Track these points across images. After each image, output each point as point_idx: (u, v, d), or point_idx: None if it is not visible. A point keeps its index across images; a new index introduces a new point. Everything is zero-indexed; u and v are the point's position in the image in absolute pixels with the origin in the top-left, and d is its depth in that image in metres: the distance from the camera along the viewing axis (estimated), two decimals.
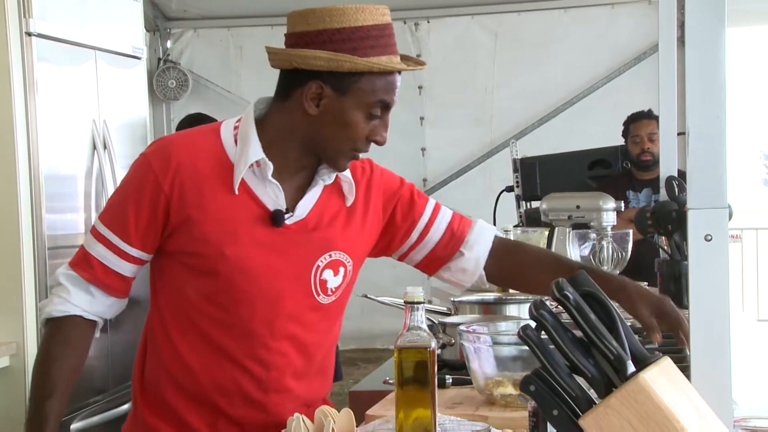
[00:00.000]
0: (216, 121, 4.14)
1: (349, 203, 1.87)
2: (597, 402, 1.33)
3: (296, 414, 1.62)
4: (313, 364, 1.88)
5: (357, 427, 1.85)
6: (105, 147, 3.80)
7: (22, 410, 3.38)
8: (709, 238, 1.50)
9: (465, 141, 6.68)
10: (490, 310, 2.69)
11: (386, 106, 1.77)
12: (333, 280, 1.85)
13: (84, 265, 1.78)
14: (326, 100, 1.73)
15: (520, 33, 6.56)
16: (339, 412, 1.69)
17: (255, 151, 1.75)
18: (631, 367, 1.32)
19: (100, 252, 1.77)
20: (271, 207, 1.79)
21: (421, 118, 6.71)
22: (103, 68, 3.87)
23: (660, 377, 1.32)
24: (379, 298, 2.81)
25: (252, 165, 1.76)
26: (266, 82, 6.25)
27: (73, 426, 3.54)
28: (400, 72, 1.76)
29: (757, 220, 10.66)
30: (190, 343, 1.80)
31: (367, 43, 1.70)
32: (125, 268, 1.79)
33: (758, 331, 3.71)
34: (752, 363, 2.86)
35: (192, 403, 1.82)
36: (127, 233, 1.76)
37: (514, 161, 4.98)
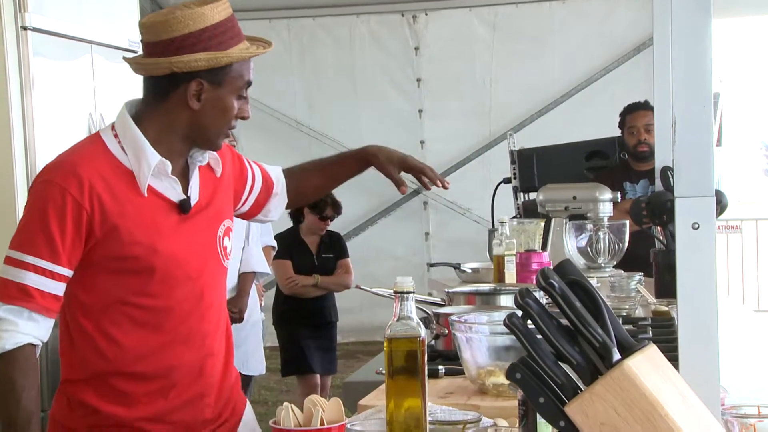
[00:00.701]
0: None
1: (218, 175, 2.07)
2: (583, 389, 1.34)
3: (285, 403, 1.63)
4: (227, 326, 2.12)
5: (350, 416, 1.87)
6: None
7: None
8: (697, 226, 1.50)
9: (463, 133, 6.69)
10: (484, 301, 2.70)
11: (248, 85, 1.99)
12: (229, 244, 2.10)
13: (22, 296, 1.86)
14: (206, 94, 1.92)
15: (518, 25, 6.57)
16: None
17: (152, 155, 1.93)
18: (616, 355, 1.33)
19: (33, 279, 1.86)
20: (175, 198, 1.97)
21: (420, 111, 6.72)
22: (100, 62, 3.88)
23: (645, 364, 1.33)
24: (372, 289, 2.82)
25: (154, 167, 1.94)
26: (262, 77, 6.27)
27: None
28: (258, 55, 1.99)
29: (757, 211, 10.67)
30: (134, 337, 1.96)
31: (227, 36, 1.92)
32: (58, 288, 1.90)
33: (756, 322, 3.72)
34: (747, 352, 2.87)
35: (144, 384, 1.98)
36: (56, 255, 1.86)
37: (512, 153, 4.98)
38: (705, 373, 1.48)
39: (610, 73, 6.51)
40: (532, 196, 4.63)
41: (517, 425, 1.63)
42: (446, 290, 2.83)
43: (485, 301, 2.70)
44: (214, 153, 2.04)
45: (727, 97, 11.58)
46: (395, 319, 1.69)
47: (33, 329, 1.88)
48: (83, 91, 3.78)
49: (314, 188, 2.41)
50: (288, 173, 2.33)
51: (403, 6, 6.70)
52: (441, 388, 2.16)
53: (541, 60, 6.56)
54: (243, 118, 2.00)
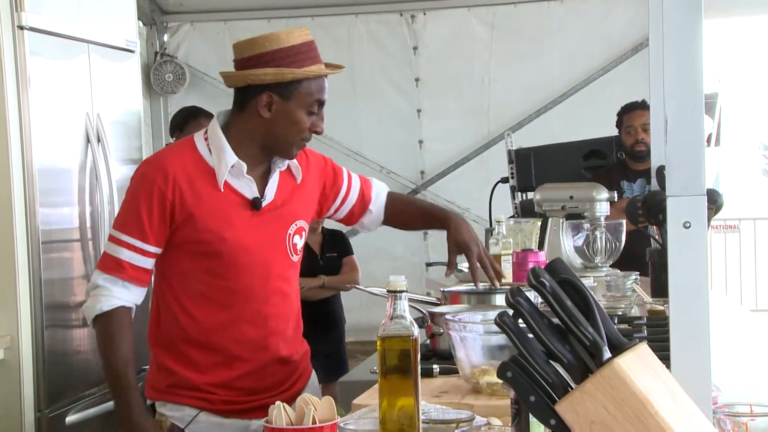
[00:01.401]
0: (210, 113, 4.37)
1: (298, 181, 2.40)
2: (573, 388, 1.34)
3: (277, 402, 1.63)
4: (293, 310, 2.43)
5: (345, 415, 1.87)
6: (99, 141, 3.80)
7: (17, 402, 3.40)
8: (688, 225, 1.51)
9: (462, 133, 6.67)
10: (480, 300, 2.70)
11: (321, 104, 2.30)
12: (299, 242, 2.41)
13: (116, 268, 2.25)
14: (276, 106, 2.26)
15: (516, 24, 6.56)
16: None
17: (231, 156, 2.27)
18: (607, 353, 1.33)
19: (127, 255, 2.25)
20: (249, 196, 2.30)
21: (419, 111, 6.71)
22: (97, 62, 3.87)
23: (635, 363, 1.33)
24: (367, 288, 2.83)
25: (230, 167, 2.28)
26: None
27: (68, 419, 3.55)
28: (326, 76, 2.29)
29: (755, 210, 10.66)
30: (205, 312, 2.30)
31: (300, 57, 2.24)
32: (147, 263, 2.27)
33: (752, 321, 3.72)
34: (742, 352, 2.87)
35: (211, 354, 2.31)
36: (144, 235, 2.24)
37: (509, 152, 4.98)
38: (696, 372, 1.48)
39: (609, 72, 6.50)
40: (530, 195, 4.64)
41: (510, 424, 1.63)
42: (441, 289, 2.83)
43: (480, 300, 2.70)
44: (295, 161, 2.36)
45: (725, 97, 11.58)
46: (388, 318, 1.69)
47: (125, 294, 2.26)
48: (80, 90, 3.78)
49: (404, 224, 2.75)
50: (393, 198, 2.68)
51: (402, 6, 6.69)
52: (435, 387, 2.17)
53: (539, 60, 6.55)
54: (317, 133, 2.31)
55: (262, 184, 2.33)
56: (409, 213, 2.69)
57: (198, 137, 2.32)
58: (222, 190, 2.26)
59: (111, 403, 3.73)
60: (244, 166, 2.28)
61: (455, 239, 2.54)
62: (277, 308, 2.36)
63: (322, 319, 4.79)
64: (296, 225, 2.39)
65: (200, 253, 2.27)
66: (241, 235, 2.27)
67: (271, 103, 2.25)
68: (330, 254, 4.94)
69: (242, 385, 2.33)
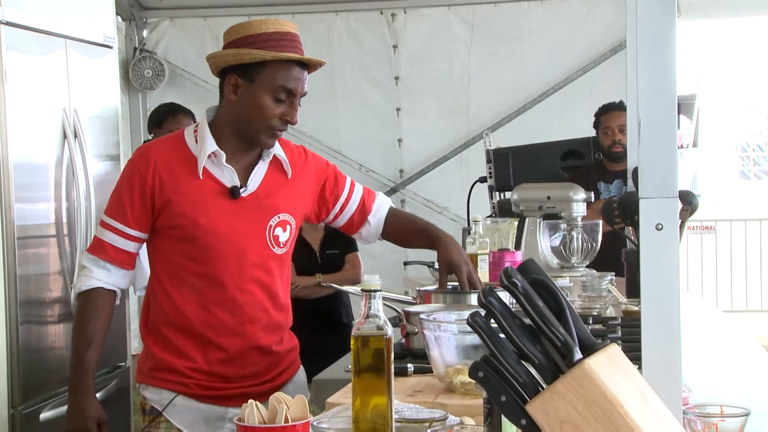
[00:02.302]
0: (188, 110, 4.40)
1: (289, 176, 2.45)
2: (544, 388, 1.35)
3: (250, 400, 1.63)
4: (274, 300, 2.46)
5: (319, 413, 1.87)
6: (75, 136, 3.78)
7: None
8: (660, 227, 1.52)
9: (441, 132, 6.68)
10: (455, 299, 2.71)
11: (290, 93, 2.32)
12: (283, 235, 2.44)
13: (99, 249, 2.36)
14: (241, 89, 2.31)
15: (496, 24, 6.57)
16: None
17: (210, 145, 2.35)
18: (577, 354, 1.34)
19: (109, 237, 2.35)
20: (228, 185, 2.36)
21: (398, 109, 6.71)
22: (74, 57, 3.85)
23: (606, 364, 1.34)
24: (342, 287, 2.84)
25: (210, 155, 2.35)
26: None
27: (43, 415, 3.54)
28: (306, 69, 2.34)
29: (731, 212, 10.73)
30: (181, 294, 2.38)
31: (268, 44, 2.28)
32: (129, 246, 2.37)
33: (725, 323, 3.75)
34: (715, 353, 2.90)
35: (187, 337, 2.38)
36: (126, 219, 2.34)
37: (488, 152, 4.99)
38: (667, 372, 1.49)
39: (587, 73, 6.52)
40: (508, 195, 4.65)
41: (483, 424, 1.64)
42: (417, 288, 2.83)
43: (456, 300, 2.70)
44: (284, 157, 2.43)
45: (703, 99, 11.64)
46: (363, 317, 1.69)
47: (104, 276, 2.36)
48: (57, 86, 3.76)
49: (402, 240, 2.79)
50: (394, 214, 2.72)
51: (382, 4, 6.69)
52: (409, 386, 2.17)
53: (518, 59, 6.56)
54: (289, 123, 2.34)
55: (247, 174, 2.39)
56: (407, 230, 2.73)
57: (188, 130, 2.41)
58: (201, 177, 2.34)
59: None
60: (224, 154, 2.34)
61: (446, 259, 2.59)
62: (253, 296, 2.40)
63: (320, 318, 4.69)
64: (279, 218, 2.42)
65: (177, 237, 2.35)
66: (215, 222, 2.34)
67: (237, 86, 2.31)
68: (331, 251, 4.85)
69: (219, 371, 2.39)
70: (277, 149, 2.43)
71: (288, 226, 2.45)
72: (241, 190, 2.37)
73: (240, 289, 2.38)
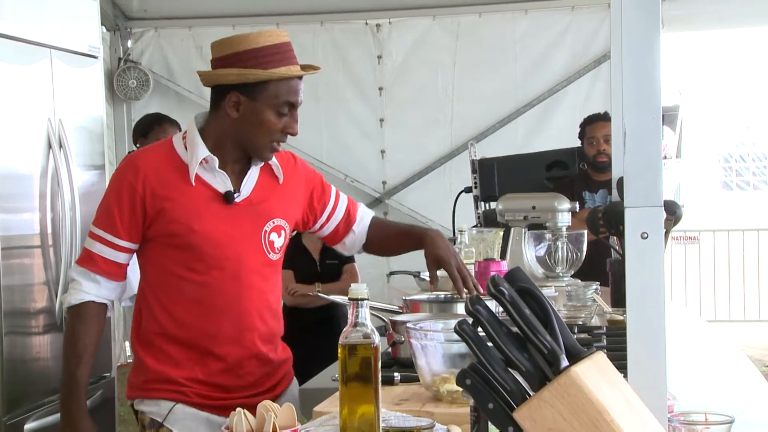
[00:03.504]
0: (174, 120, 4.40)
1: (280, 182, 2.43)
2: (531, 395, 1.36)
3: (238, 409, 1.63)
4: (270, 308, 2.43)
5: (306, 422, 1.87)
6: (60, 146, 3.77)
7: None
8: (645, 235, 1.53)
9: (425, 142, 6.70)
10: (442, 309, 2.72)
11: (291, 105, 2.31)
12: (277, 240, 2.41)
13: (89, 261, 2.31)
14: (243, 106, 2.28)
15: (481, 35, 6.60)
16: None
17: (202, 151, 2.31)
18: (564, 361, 1.35)
19: (98, 248, 2.30)
20: (222, 190, 2.33)
21: (381, 120, 6.72)
22: (59, 67, 3.84)
23: (592, 371, 1.35)
24: (329, 296, 2.84)
25: (202, 161, 2.31)
26: None
27: (27, 426, 3.52)
28: (300, 78, 2.32)
29: (714, 222, 10.80)
30: (178, 304, 2.33)
31: (267, 59, 2.25)
32: (119, 257, 2.32)
33: (709, 332, 3.77)
34: (699, 361, 2.91)
35: (185, 348, 2.34)
36: (116, 229, 2.29)
37: (473, 162, 5.01)
38: (652, 380, 1.51)
39: (572, 84, 6.56)
40: (493, 205, 4.66)
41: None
42: (404, 298, 2.84)
43: (442, 309, 2.71)
44: (277, 162, 2.41)
45: (687, 110, 11.72)
46: (350, 326, 1.70)
47: (94, 289, 2.31)
48: (42, 96, 3.75)
49: (385, 247, 2.73)
50: (376, 222, 2.70)
51: (367, 15, 6.71)
52: (396, 394, 2.17)
53: (503, 70, 6.59)
54: (290, 134, 2.33)
55: (239, 180, 2.36)
56: (391, 234, 2.69)
57: (176, 137, 2.38)
58: (193, 183, 2.30)
59: None
60: (216, 160, 2.31)
61: (433, 254, 2.53)
62: (251, 304, 2.36)
63: (321, 327, 4.65)
64: (273, 223, 2.40)
65: (173, 245, 2.30)
66: (211, 227, 2.30)
67: (239, 103, 2.28)
68: (330, 261, 4.83)
69: (218, 382, 2.35)
70: None
71: (282, 232, 2.42)
72: (235, 196, 2.34)
73: (238, 297, 2.34)
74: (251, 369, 2.38)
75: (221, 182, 2.33)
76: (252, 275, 2.36)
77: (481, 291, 2.54)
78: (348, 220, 2.63)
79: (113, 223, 2.29)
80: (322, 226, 2.61)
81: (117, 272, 2.33)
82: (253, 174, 2.38)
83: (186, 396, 2.34)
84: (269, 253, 2.39)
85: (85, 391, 2.33)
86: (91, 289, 2.31)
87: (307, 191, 2.53)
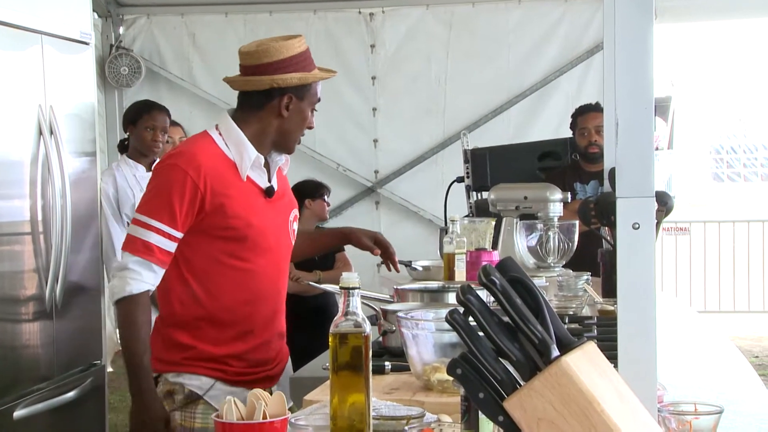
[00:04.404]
0: (163, 106, 4.42)
1: (285, 172, 2.72)
2: (522, 385, 1.36)
3: (228, 397, 1.63)
4: (287, 285, 2.71)
5: (296, 411, 1.87)
6: (51, 133, 3.75)
7: None
8: (637, 226, 1.53)
9: (417, 132, 6.68)
10: (432, 299, 2.72)
11: (319, 101, 2.62)
12: (296, 227, 2.72)
13: (146, 251, 2.42)
14: (293, 105, 2.55)
15: (474, 24, 6.59)
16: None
17: (252, 151, 2.53)
18: (555, 351, 1.35)
19: (156, 239, 2.42)
20: (262, 185, 2.58)
21: (374, 109, 6.71)
22: (50, 53, 3.82)
23: (582, 361, 1.35)
24: (322, 285, 2.85)
25: (253, 160, 2.53)
26: (218, 70, 6.29)
27: (16, 413, 3.51)
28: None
29: (705, 214, 10.83)
30: (222, 289, 2.52)
31: (307, 63, 2.55)
32: (172, 247, 2.46)
33: (699, 323, 3.78)
34: (689, 352, 2.92)
35: (227, 328, 2.54)
36: (174, 221, 2.43)
37: (465, 152, 5.01)
38: (643, 370, 1.51)
39: (564, 74, 6.56)
40: (485, 195, 4.67)
41: (460, 421, 1.65)
42: (395, 287, 2.84)
43: (433, 298, 2.71)
44: (285, 157, 2.65)
45: (678, 101, 11.73)
46: (342, 315, 1.70)
47: (151, 278, 2.45)
48: (33, 82, 3.72)
49: (302, 252, 2.99)
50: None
51: (360, 3, 6.69)
52: (386, 383, 2.18)
53: (496, 60, 6.58)
54: (309, 128, 2.61)
55: (269, 176, 2.62)
56: (307, 239, 3.01)
57: (212, 132, 2.56)
58: (245, 180, 2.52)
59: (60, 398, 3.73)
60: (263, 158, 2.55)
61: (366, 235, 2.94)
62: (283, 287, 2.66)
63: (314, 315, 4.60)
64: (294, 213, 2.71)
65: (227, 238, 2.49)
66: (262, 221, 2.54)
67: (290, 104, 2.54)
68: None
69: (252, 357, 2.58)
70: None
71: (297, 219, 2.73)
72: (273, 190, 2.60)
73: (276, 281, 2.61)
74: (275, 345, 2.65)
75: (261, 178, 2.57)
76: (284, 261, 2.66)
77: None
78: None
79: (173, 215, 2.43)
80: None
81: (168, 261, 2.47)
82: (275, 169, 2.64)
83: (225, 374, 2.55)
84: (292, 239, 2.70)
85: (153, 376, 2.49)
86: (150, 278, 2.44)
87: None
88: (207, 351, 2.53)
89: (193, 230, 2.48)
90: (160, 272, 2.45)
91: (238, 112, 2.58)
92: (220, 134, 2.54)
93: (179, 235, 2.45)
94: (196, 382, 2.54)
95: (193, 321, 2.53)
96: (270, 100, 2.53)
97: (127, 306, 2.43)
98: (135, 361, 2.43)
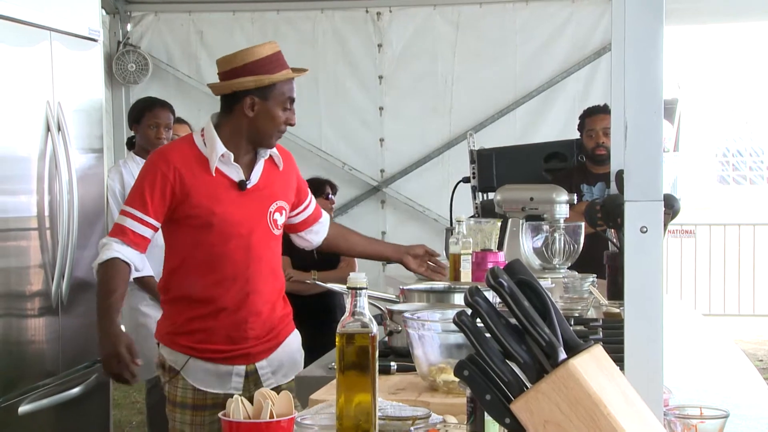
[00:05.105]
0: (165, 102, 4.51)
1: (280, 169, 2.97)
2: (529, 387, 1.36)
3: (235, 395, 1.64)
4: (273, 274, 2.96)
5: (302, 410, 1.88)
6: (59, 129, 3.76)
7: None
8: (645, 229, 1.53)
9: (424, 132, 6.68)
10: (439, 299, 2.72)
11: (292, 101, 2.86)
12: (279, 218, 2.96)
13: (120, 232, 2.80)
14: (257, 106, 2.82)
15: (481, 25, 6.58)
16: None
17: (220, 147, 2.83)
18: (562, 354, 1.35)
19: (129, 223, 2.79)
20: (236, 179, 2.85)
21: (381, 108, 6.71)
22: (59, 50, 3.83)
23: (590, 364, 1.35)
24: (327, 285, 2.87)
25: (219, 156, 2.82)
26: None
27: (21, 409, 3.52)
28: (293, 78, 2.86)
29: (710, 216, 10.81)
30: (197, 272, 2.85)
31: (272, 66, 2.81)
32: (146, 232, 2.81)
33: (704, 326, 3.78)
34: (694, 355, 2.92)
35: (201, 306, 2.86)
36: (146, 207, 2.78)
37: (471, 152, 5.01)
38: (649, 374, 1.51)
39: (571, 75, 6.55)
40: (491, 195, 4.66)
41: (466, 422, 1.65)
42: (401, 287, 2.84)
43: (439, 299, 2.71)
44: (276, 152, 2.93)
45: (685, 104, 11.72)
46: (349, 315, 1.70)
47: (122, 250, 2.78)
48: (41, 78, 3.73)
49: (349, 249, 3.44)
50: (337, 226, 3.34)
51: (367, 3, 6.69)
52: (392, 384, 2.18)
53: (503, 61, 6.58)
54: (290, 125, 2.87)
55: (249, 170, 2.88)
56: (356, 240, 3.37)
57: (196, 134, 2.90)
58: (213, 174, 2.81)
59: (65, 394, 3.74)
60: (231, 155, 2.82)
61: (415, 253, 3.33)
62: (258, 271, 2.87)
63: (317, 316, 4.55)
64: (276, 204, 2.93)
65: (195, 225, 2.81)
66: (227, 210, 2.82)
67: (254, 104, 2.80)
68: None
69: (226, 334, 2.86)
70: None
71: (283, 211, 2.96)
72: (247, 183, 2.84)
73: (246, 265, 2.85)
74: (253, 325, 2.88)
75: (235, 173, 2.84)
76: (259, 248, 2.87)
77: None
78: (314, 216, 3.20)
79: (144, 202, 2.78)
80: (296, 215, 3.12)
81: (142, 244, 2.81)
82: (260, 165, 2.89)
83: (199, 352, 2.85)
84: (273, 229, 2.92)
85: (117, 314, 2.79)
86: (120, 249, 2.78)
87: (295, 179, 3.07)
88: (183, 327, 2.86)
89: (169, 219, 2.83)
90: (133, 253, 2.80)
91: (218, 115, 2.88)
92: (202, 135, 2.85)
93: (152, 221, 2.80)
94: (173, 357, 2.89)
95: (174, 299, 2.89)
96: (236, 103, 2.81)
97: (100, 271, 2.81)
98: (99, 301, 2.81)
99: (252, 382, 2.89)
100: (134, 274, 2.91)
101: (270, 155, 2.93)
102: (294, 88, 2.86)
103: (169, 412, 2.92)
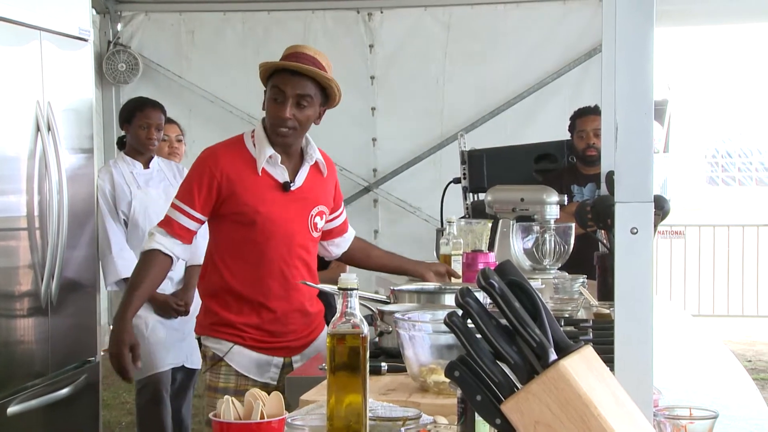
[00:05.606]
0: (156, 102, 4.49)
1: (324, 175, 3.11)
2: (519, 388, 1.36)
3: (226, 396, 1.63)
4: (311, 272, 3.07)
5: (292, 411, 1.88)
6: (49, 129, 3.75)
7: None
8: (635, 230, 1.54)
9: (415, 132, 6.70)
10: (429, 299, 2.72)
11: (282, 93, 2.91)
12: (319, 222, 3.10)
13: (166, 224, 2.96)
14: (264, 96, 2.97)
15: (472, 26, 6.60)
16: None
17: (268, 149, 2.96)
18: (552, 355, 1.35)
19: (176, 215, 2.95)
20: (281, 180, 2.99)
21: (373, 109, 6.72)
22: (49, 49, 3.82)
23: (580, 365, 1.35)
24: (318, 285, 2.86)
25: (267, 157, 2.96)
26: (216, 68, 6.28)
27: (10, 409, 3.50)
28: (292, 73, 2.92)
29: (700, 217, 10.84)
30: (240, 267, 2.98)
31: (282, 59, 2.96)
32: (192, 225, 2.96)
33: (693, 326, 3.79)
34: (683, 356, 2.93)
35: (244, 300, 2.99)
36: (192, 202, 2.93)
37: (462, 153, 5.01)
38: (639, 375, 1.51)
39: (562, 77, 6.57)
40: (482, 196, 4.66)
41: (456, 423, 1.65)
42: (391, 288, 2.84)
43: (430, 299, 2.71)
44: (321, 158, 3.07)
45: (675, 105, 11.76)
46: (340, 316, 1.70)
47: (167, 243, 2.94)
48: (31, 78, 3.72)
49: (368, 264, 3.49)
50: (359, 240, 3.44)
51: (359, 3, 6.70)
52: (383, 384, 2.18)
53: (494, 62, 6.60)
54: (279, 117, 2.91)
55: (294, 173, 3.02)
56: (377, 254, 3.47)
57: (246, 134, 3.02)
58: (260, 174, 2.95)
59: (54, 395, 3.73)
60: (279, 156, 2.96)
61: (437, 270, 3.37)
62: (297, 270, 3.01)
63: None
64: (318, 208, 3.07)
65: (240, 222, 2.94)
66: (271, 210, 2.95)
67: (264, 99, 2.95)
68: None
69: (268, 328, 3.00)
70: (316, 154, 3.06)
71: (324, 215, 3.11)
72: (291, 185, 2.98)
73: (287, 263, 2.99)
74: (294, 319, 3.03)
75: (281, 174, 2.98)
76: (298, 248, 3.01)
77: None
78: (342, 227, 3.30)
79: (192, 197, 2.92)
80: (326, 222, 3.17)
81: (187, 236, 2.96)
82: (305, 169, 3.03)
83: (243, 339, 2.99)
84: (312, 231, 3.06)
85: (135, 310, 2.96)
86: (164, 241, 2.93)
87: (334, 190, 3.19)
88: (227, 318, 2.99)
89: (216, 215, 2.96)
90: (178, 245, 2.94)
91: None
92: (252, 135, 2.99)
93: (199, 215, 2.94)
94: (218, 346, 3.01)
95: (219, 292, 3.01)
96: None
97: (141, 257, 2.98)
98: (126, 295, 2.95)
99: (285, 375, 2.94)
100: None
101: (316, 161, 3.05)
102: (289, 82, 2.89)
103: (209, 398, 3.04)
